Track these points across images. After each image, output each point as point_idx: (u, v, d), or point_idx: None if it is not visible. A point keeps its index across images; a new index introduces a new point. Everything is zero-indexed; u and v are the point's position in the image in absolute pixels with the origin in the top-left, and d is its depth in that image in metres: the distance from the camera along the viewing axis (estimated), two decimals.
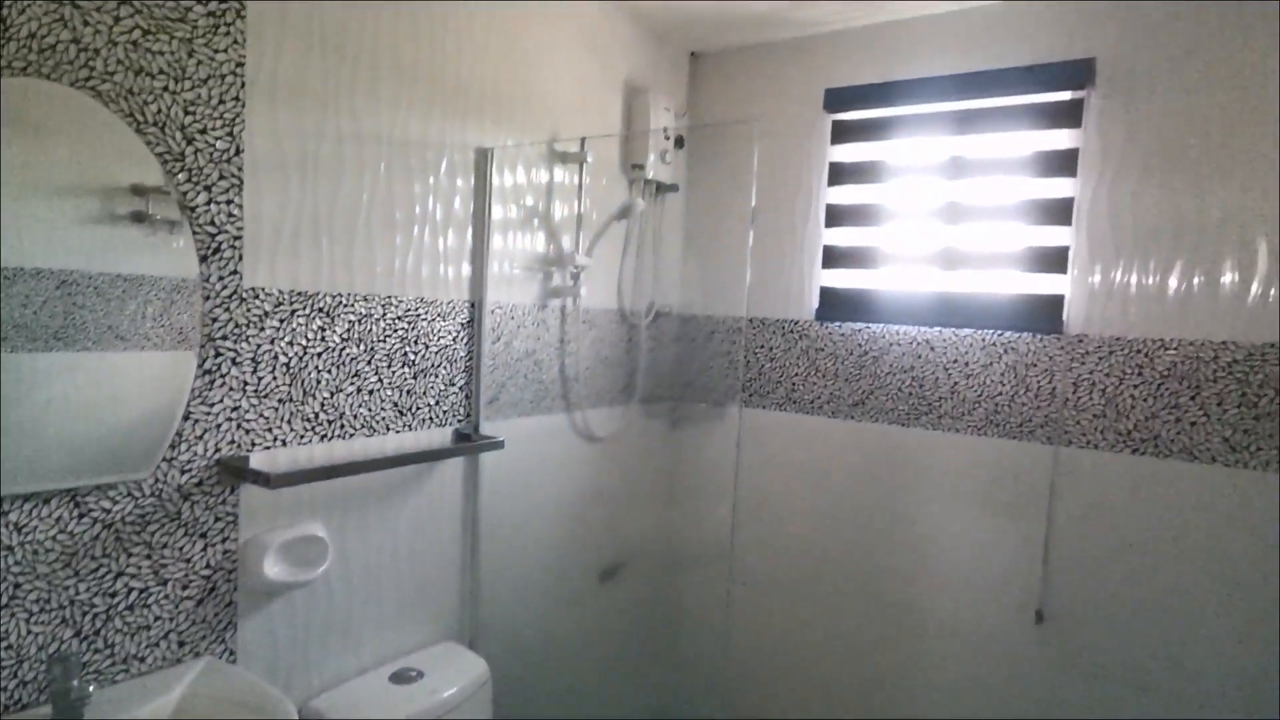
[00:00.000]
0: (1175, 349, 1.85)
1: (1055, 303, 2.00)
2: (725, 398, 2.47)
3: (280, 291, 1.43)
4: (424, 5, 1.65)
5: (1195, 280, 1.83)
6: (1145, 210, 1.88)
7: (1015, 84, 2.03)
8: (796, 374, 2.38)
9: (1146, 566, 1.89)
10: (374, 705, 1.53)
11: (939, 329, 2.14)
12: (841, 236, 2.32)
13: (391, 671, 1.65)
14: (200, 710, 1.23)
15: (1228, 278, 1.80)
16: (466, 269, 1.81)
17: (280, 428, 1.45)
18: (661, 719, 2.54)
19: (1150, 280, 1.88)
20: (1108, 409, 1.93)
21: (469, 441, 1.82)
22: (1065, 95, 1.99)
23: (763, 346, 2.44)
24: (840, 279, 2.32)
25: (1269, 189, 1.75)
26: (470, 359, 1.85)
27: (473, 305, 1.84)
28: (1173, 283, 1.86)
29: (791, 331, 2.39)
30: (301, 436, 1.49)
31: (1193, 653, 1.84)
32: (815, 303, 2.35)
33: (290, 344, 1.45)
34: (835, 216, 2.33)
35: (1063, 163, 1.99)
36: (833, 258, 2.33)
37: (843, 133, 2.32)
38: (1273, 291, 1.75)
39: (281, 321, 1.44)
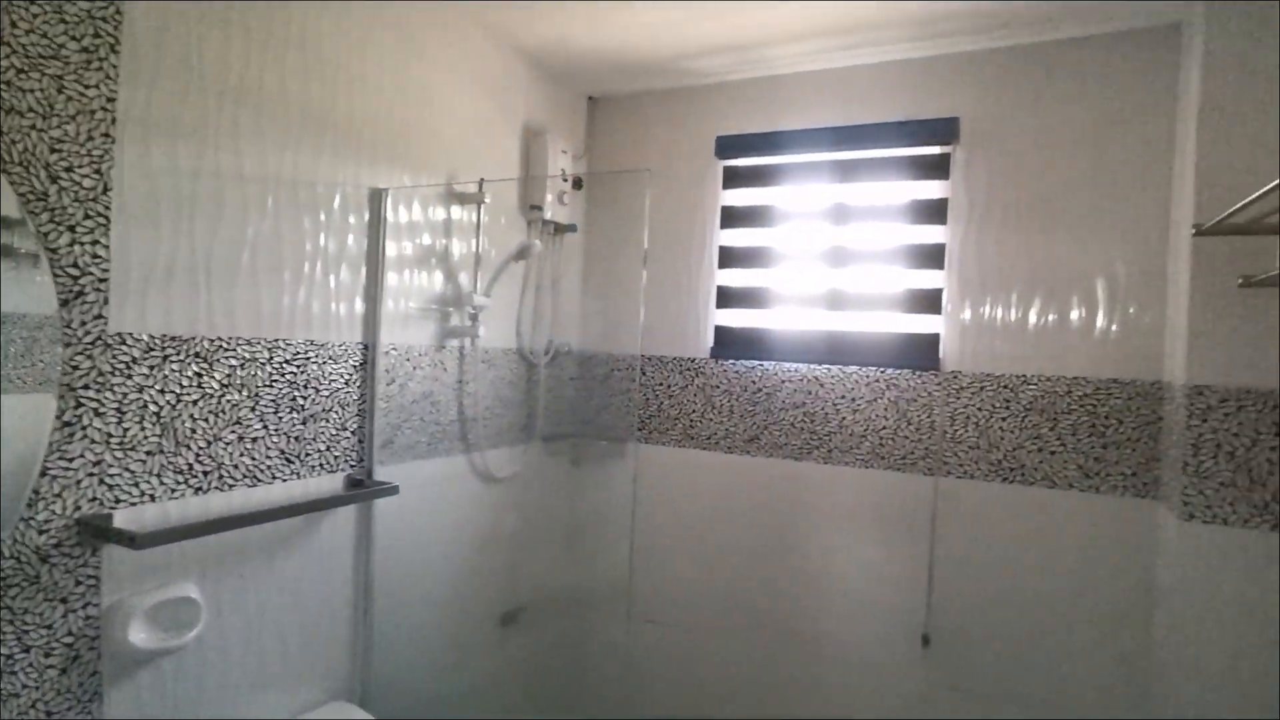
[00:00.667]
0: (1035, 384, 2.02)
1: (932, 341, 2.14)
2: (624, 435, 2.49)
3: (151, 337, 1.35)
4: (313, 43, 1.62)
5: (1049, 318, 2.00)
6: (1006, 255, 2.05)
7: (890, 138, 2.18)
8: (694, 410, 2.43)
9: (1019, 588, 2.02)
10: None
11: (827, 366, 2.24)
12: (734, 277, 2.41)
13: None
14: None
15: (1076, 315, 1.98)
16: (360, 307, 1.77)
17: (148, 482, 1.36)
18: None
19: (1013, 320, 2.04)
20: (980, 440, 2.07)
21: (362, 488, 1.75)
22: (934, 150, 2.15)
23: (661, 384, 2.48)
24: (734, 318, 2.40)
25: (1103, 236, 1.95)
26: (364, 402, 1.79)
27: (366, 347, 1.79)
28: (1031, 321, 2.02)
29: (688, 369, 2.44)
30: (173, 491, 1.40)
31: (1063, 666, 1.98)
32: (710, 341, 2.42)
33: (162, 392, 1.37)
34: (728, 258, 2.41)
35: (934, 211, 2.15)
36: (726, 298, 2.41)
37: (734, 178, 2.42)
38: (1113, 328, 1.94)
39: (152, 368, 1.35)
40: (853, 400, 2.21)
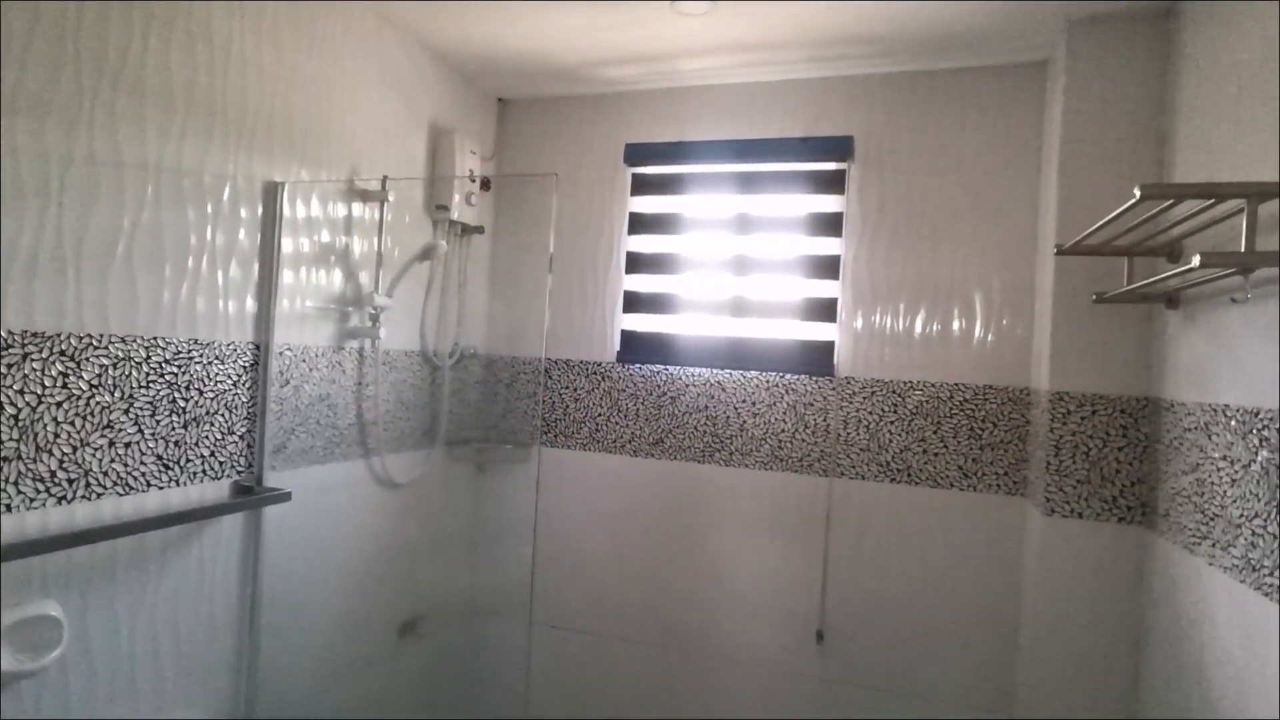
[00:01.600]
0: (921, 389, 2.14)
1: (827, 348, 2.24)
2: (530, 439, 2.48)
3: (10, 333, 1.24)
4: (201, 28, 1.53)
5: (934, 328, 2.14)
6: (894, 268, 2.18)
7: (790, 153, 2.27)
8: (600, 414, 2.44)
9: (906, 583, 2.14)
10: None
11: (729, 371, 2.31)
12: (641, 283, 2.44)
13: None
14: None
15: (956, 325, 2.12)
16: (251, 305, 1.68)
17: (4, 491, 1.24)
18: None
19: (901, 328, 2.17)
20: (871, 443, 2.18)
21: (250, 494, 1.66)
22: (831, 165, 2.25)
23: (567, 387, 2.48)
24: (640, 323, 2.43)
25: (981, 253, 2.10)
26: (254, 405, 1.70)
27: (258, 347, 1.71)
28: (917, 330, 2.15)
29: (595, 373, 2.46)
30: (31, 500, 1.29)
31: (943, 655, 2.10)
32: (617, 345, 2.44)
33: (20, 392, 1.26)
34: (635, 264, 2.44)
35: (830, 224, 2.25)
36: (633, 302, 2.44)
37: (642, 185, 2.46)
38: (989, 338, 2.09)
39: (9, 367, 1.24)
40: (753, 404, 2.28)
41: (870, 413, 2.19)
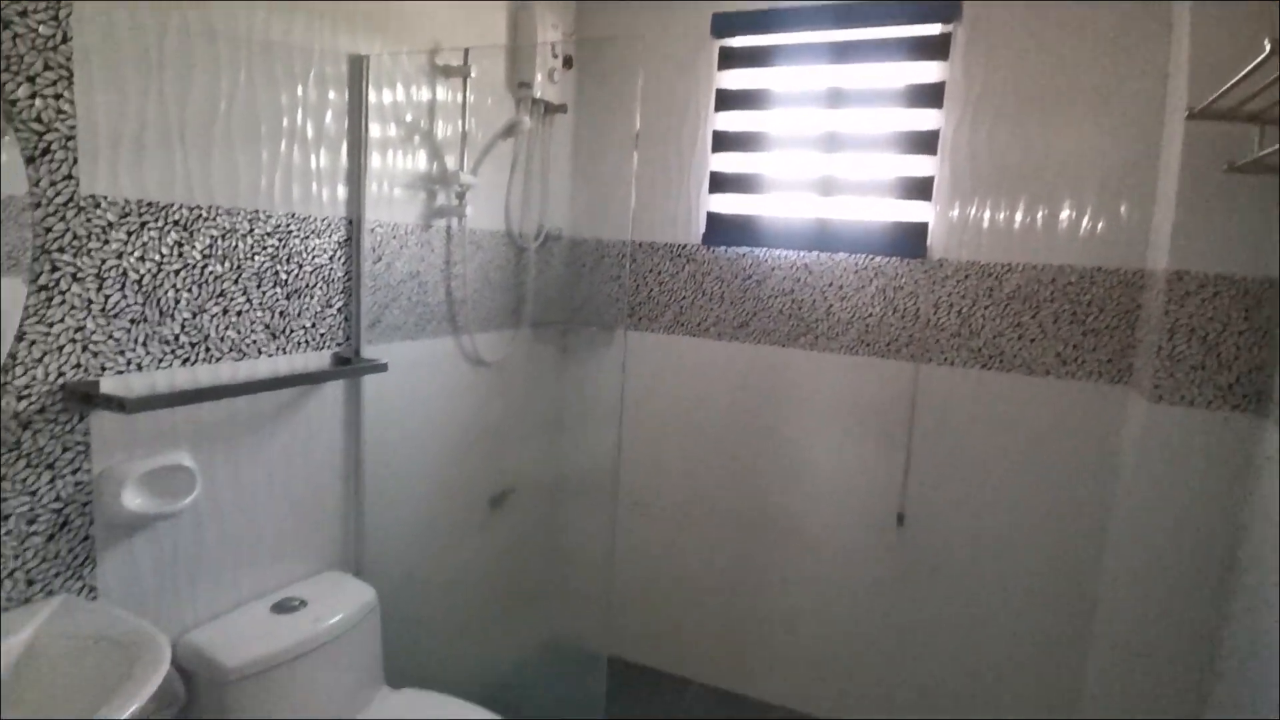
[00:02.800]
0: (1020, 272, 2.03)
1: (920, 229, 2.13)
2: (614, 322, 2.49)
3: (126, 201, 1.30)
4: None
5: (1039, 206, 1.99)
6: (999, 143, 2.02)
7: (888, 16, 2.09)
8: (684, 297, 2.43)
9: (991, 470, 2.10)
10: (254, 636, 1.49)
11: (817, 253, 2.23)
12: (728, 163, 2.35)
13: (273, 602, 1.60)
14: (58, 649, 1.15)
15: (1066, 203, 1.97)
16: (343, 180, 1.71)
17: (135, 350, 1.34)
18: (551, 644, 2.61)
19: (1001, 209, 2.03)
20: (963, 328, 2.10)
21: (349, 365, 1.75)
22: (935, 29, 2.07)
23: (652, 270, 2.47)
24: (726, 204, 2.37)
25: (1098, 123, 1.92)
26: (349, 279, 1.76)
27: (350, 223, 1.75)
28: (1020, 209, 2.01)
29: (679, 255, 2.42)
30: (160, 360, 1.38)
31: (1024, 545, 2.08)
32: (702, 227, 2.39)
33: (142, 260, 1.33)
34: (722, 143, 2.35)
35: (931, 96, 2.09)
36: (719, 183, 2.37)
37: (729, 59, 2.33)
38: (1100, 223, 1.94)
39: (130, 234, 1.31)
40: (840, 287, 2.22)
41: (963, 297, 2.09)
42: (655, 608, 2.57)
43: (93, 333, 1.27)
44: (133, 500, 1.31)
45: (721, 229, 2.36)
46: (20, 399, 1.19)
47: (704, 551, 2.48)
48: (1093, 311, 1.97)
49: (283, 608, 1.58)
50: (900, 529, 2.21)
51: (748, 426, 2.38)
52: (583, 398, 2.57)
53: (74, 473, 1.27)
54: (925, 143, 2.11)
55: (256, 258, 1.54)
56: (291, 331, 1.64)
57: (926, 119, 2.10)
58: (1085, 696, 1.98)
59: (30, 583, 1.23)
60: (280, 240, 1.58)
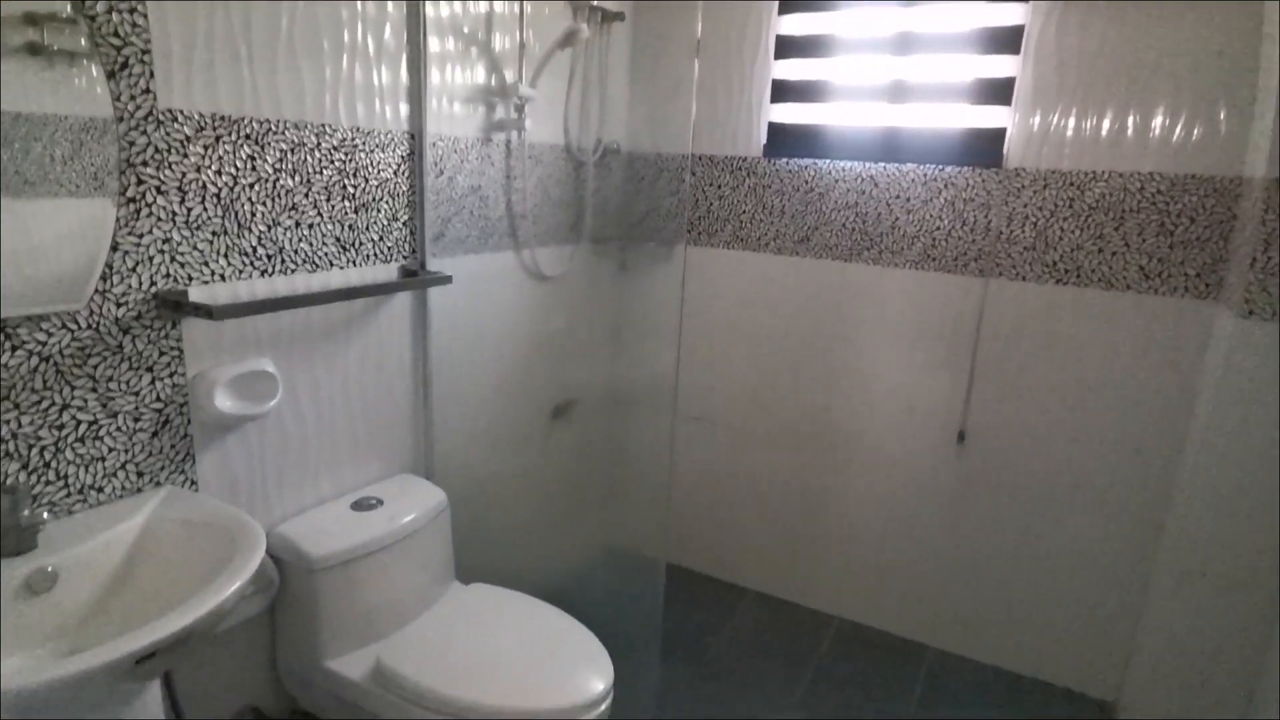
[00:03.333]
0: (1105, 181, 1.91)
1: (997, 136, 2.02)
2: (672, 237, 2.47)
3: (201, 115, 1.33)
4: None
5: (1130, 110, 1.86)
6: (1090, 44, 1.87)
7: None
8: (744, 211, 2.39)
9: (1058, 388, 2.05)
10: (337, 531, 1.60)
11: (883, 164, 2.15)
12: (791, 69, 2.26)
13: (351, 501, 1.71)
14: (168, 533, 1.27)
15: (1159, 116, 1.83)
16: (403, 103, 1.71)
17: (217, 262, 1.41)
18: (611, 550, 2.72)
19: (1088, 114, 1.91)
20: (1038, 241, 2.01)
21: (415, 277, 1.80)
22: None
23: (711, 184, 2.42)
24: (789, 114, 2.28)
25: (1198, 17, 1.75)
26: (413, 193, 1.79)
27: (413, 137, 1.76)
28: (1109, 116, 1.89)
29: (740, 169, 2.37)
30: (240, 271, 1.45)
31: (1089, 467, 2.04)
32: (763, 138, 2.32)
33: (218, 173, 1.38)
34: (785, 47, 2.25)
35: None
36: (782, 91, 2.28)
37: None
38: (1196, 129, 1.80)
39: (206, 148, 1.35)
40: (907, 200, 2.14)
41: (1040, 208, 1.99)
42: (713, 518, 2.64)
43: (178, 244, 1.34)
44: (224, 402, 1.41)
45: (783, 140, 2.29)
46: (119, 306, 1.27)
47: (762, 465, 2.52)
48: (1182, 222, 1.85)
49: (361, 506, 1.69)
50: (960, 446, 2.19)
51: (807, 342, 2.36)
52: (642, 313, 2.58)
53: (171, 375, 1.37)
54: (1007, 41, 1.97)
55: (325, 171, 1.57)
56: (360, 245, 1.69)
57: (1010, 13, 1.96)
58: (1146, 618, 1.97)
59: (140, 474, 1.35)
60: (346, 154, 1.61)
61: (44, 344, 1.19)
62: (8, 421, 1.17)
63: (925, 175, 2.11)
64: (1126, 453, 1.99)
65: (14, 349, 1.15)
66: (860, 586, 2.44)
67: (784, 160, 2.29)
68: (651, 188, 2.51)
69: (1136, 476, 1.99)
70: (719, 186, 2.41)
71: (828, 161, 2.22)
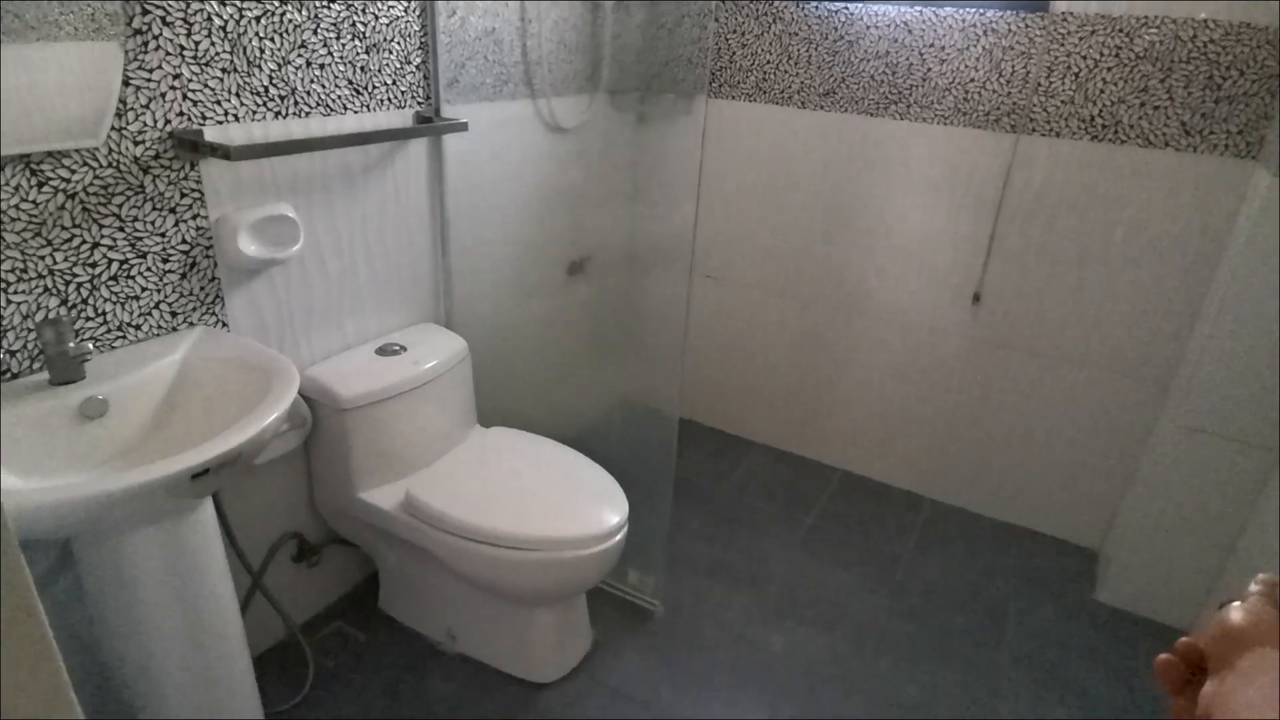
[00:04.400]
0: (1157, 27, 1.80)
1: None
2: (693, 89, 2.38)
3: None
4: None
5: None
6: None
7: None
8: (768, 61, 2.28)
9: (1079, 249, 2.02)
10: (364, 374, 1.66)
11: (920, 8, 2.03)
12: None
13: (376, 347, 1.76)
14: (206, 370, 1.33)
15: None
16: None
17: (229, 102, 1.38)
18: (625, 402, 2.80)
19: None
20: (1077, 94, 1.92)
21: (430, 124, 1.76)
22: None
23: (734, 31, 2.30)
24: None
25: None
26: (425, 34, 1.72)
27: None
28: None
29: (765, 14, 2.24)
30: (254, 113, 1.43)
31: (1103, 329, 2.05)
32: None
33: (221, 3, 1.33)
34: None
35: None
36: None
37: None
38: None
39: None
40: (942, 49, 2.03)
41: (1084, 57, 1.89)
42: (723, 374, 2.71)
43: (189, 80, 1.31)
44: (248, 246, 1.43)
45: None
46: (136, 144, 1.27)
47: (776, 322, 2.55)
48: (1231, 75, 1.76)
49: (385, 351, 1.75)
50: (975, 307, 2.20)
51: (826, 200, 2.32)
52: (661, 167, 2.53)
53: (194, 218, 1.38)
54: None
55: (333, 6, 1.51)
56: (374, 88, 1.64)
57: None
58: (1141, 470, 2.05)
59: (174, 314, 1.40)
60: None
61: (68, 180, 1.20)
62: (43, 258, 1.20)
63: (964, 21, 1.99)
64: (1143, 314, 2.00)
65: (40, 185, 1.17)
66: (866, 441, 2.53)
67: (814, 4, 2.16)
68: (671, 35, 2.39)
69: (1150, 338, 2.01)
70: (742, 34, 2.29)
71: (860, 6, 2.10)
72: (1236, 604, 0.40)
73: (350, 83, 1.59)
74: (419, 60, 1.73)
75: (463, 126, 1.76)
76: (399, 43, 1.67)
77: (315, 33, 1.50)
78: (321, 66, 1.52)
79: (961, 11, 1.98)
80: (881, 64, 2.12)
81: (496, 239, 2.10)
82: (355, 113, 1.62)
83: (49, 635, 0.39)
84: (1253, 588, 0.40)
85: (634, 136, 2.52)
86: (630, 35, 2.38)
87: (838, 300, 2.41)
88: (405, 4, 1.66)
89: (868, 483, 2.56)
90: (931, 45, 2.04)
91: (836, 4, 2.12)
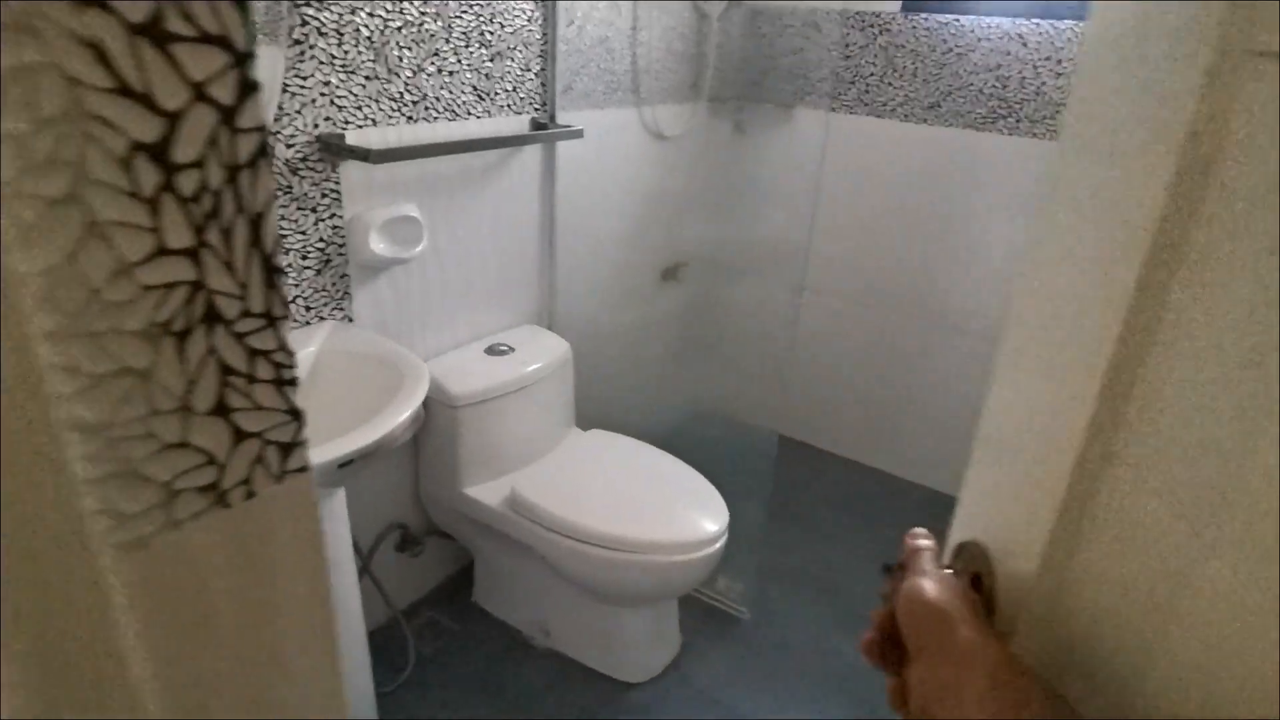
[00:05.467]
0: None
1: None
2: (792, 100, 2.38)
3: None
4: None
5: None
6: None
7: None
8: (872, 73, 2.27)
9: None
10: (474, 372, 1.71)
11: (1036, 21, 1.99)
12: None
13: (485, 346, 1.81)
14: (339, 363, 1.39)
15: None
16: None
17: (369, 106, 1.45)
18: (716, 411, 2.79)
19: None
20: None
21: (546, 130, 1.81)
22: None
23: (838, 43, 2.30)
24: None
25: None
26: (545, 43, 1.77)
27: None
28: None
29: (872, 25, 2.23)
30: (389, 117, 1.49)
31: None
32: None
33: (370, 15, 1.39)
34: None
35: None
36: None
37: None
38: None
39: None
40: (1058, 62, 1.99)
41: None
42: (809, 386, 2.69)
43: (337, 88, 1.38)
44: (377, 244, 1.49)
45: None
46: (289, 147, 1.34)
47: (863, 335, 2.53)
48: None
49: (494, 351, 1.80)
50: None
51: (925, 216, 2.29)
52: (757, 177, 2.54)
53: (331, 217, 1.45)
54: None
55: (464, 15, 1.56)
56: (495, 94, 1.70)
57: None
58: None
59: (308, 308, 1.47)
60: None
61: None
62: None
63: (1084, 34, 1.95)
64: None
65: None
66: (950, 459, 2.49)
67: (923, 16, 2.14)
68: (773, 45, 2.39)
69: None
70: (847, 45, 2.28)
71: (973, 19, 2.07)
72: (926, 574, 0.39)
73: (474, 89, 1.65)
74: (538, 68, 1.77)
75: (579, 133, 1.80)
76: (520, 50, 1.72)
77: (448, 41, 1.55)
78: (451, 73, 1.58)
79: (1082, 25, 1.94)
80: (992, 77, 2.09)
81: (598, 243, 2.14)
82: (477, 118, 1.67)
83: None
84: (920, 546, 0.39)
85: (731, 146, 2.54)
86: (732, 44, 2.39)
87: (928, 316, 2.38)
88: (529, 13, 1.70)
89: (950, 500, 2.51)
90: (1047, 58, 2.00)
91: (947, 15, 2.10)
